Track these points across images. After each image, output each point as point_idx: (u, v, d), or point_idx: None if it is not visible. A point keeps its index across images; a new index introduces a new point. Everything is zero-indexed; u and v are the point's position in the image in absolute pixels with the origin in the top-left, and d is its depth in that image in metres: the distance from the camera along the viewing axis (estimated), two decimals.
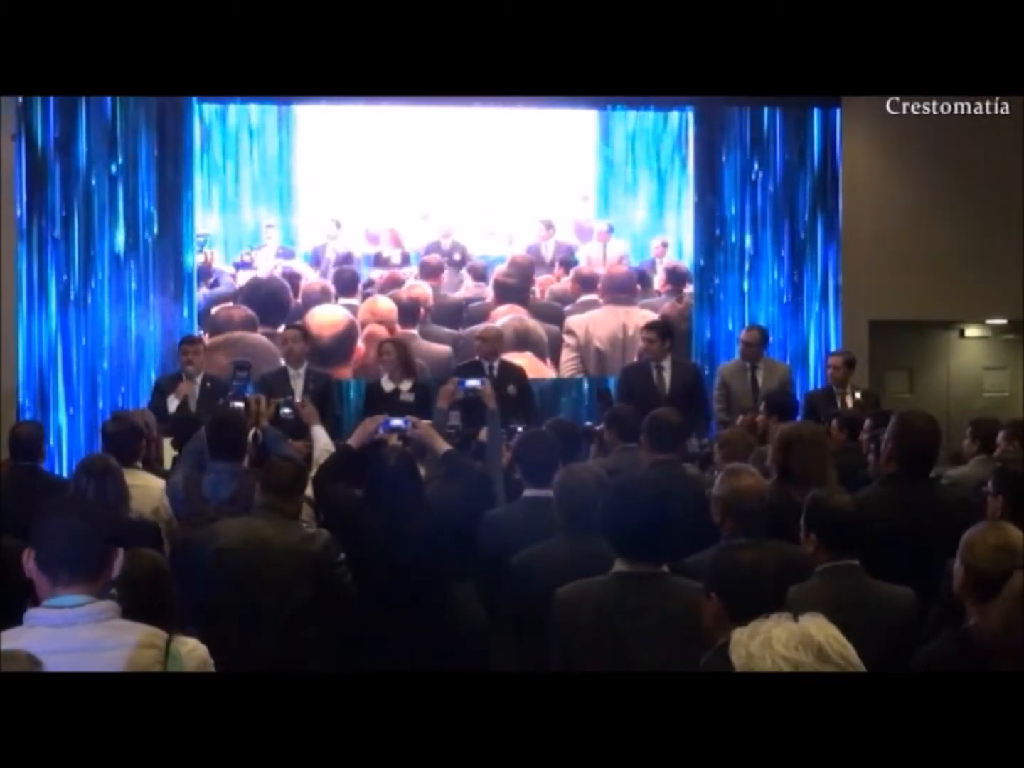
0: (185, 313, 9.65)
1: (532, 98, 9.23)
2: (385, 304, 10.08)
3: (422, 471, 5.06)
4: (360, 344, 9.99)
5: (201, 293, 9.77)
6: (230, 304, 9.84)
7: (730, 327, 10.35)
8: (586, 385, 10.24)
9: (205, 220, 9.76)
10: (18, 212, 9.31)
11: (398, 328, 9.96)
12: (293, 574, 4.37)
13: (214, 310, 9.79)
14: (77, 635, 2.63)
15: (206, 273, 9.80)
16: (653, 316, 9.90)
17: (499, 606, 4.29)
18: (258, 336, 9.77)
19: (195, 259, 9.69)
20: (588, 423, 7.13)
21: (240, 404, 5.85)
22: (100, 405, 9.47)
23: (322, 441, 5.74)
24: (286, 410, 6.16)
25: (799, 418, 7.65)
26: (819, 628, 2.42)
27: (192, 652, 2.78)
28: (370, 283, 10.09)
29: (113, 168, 9.48)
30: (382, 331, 9.79)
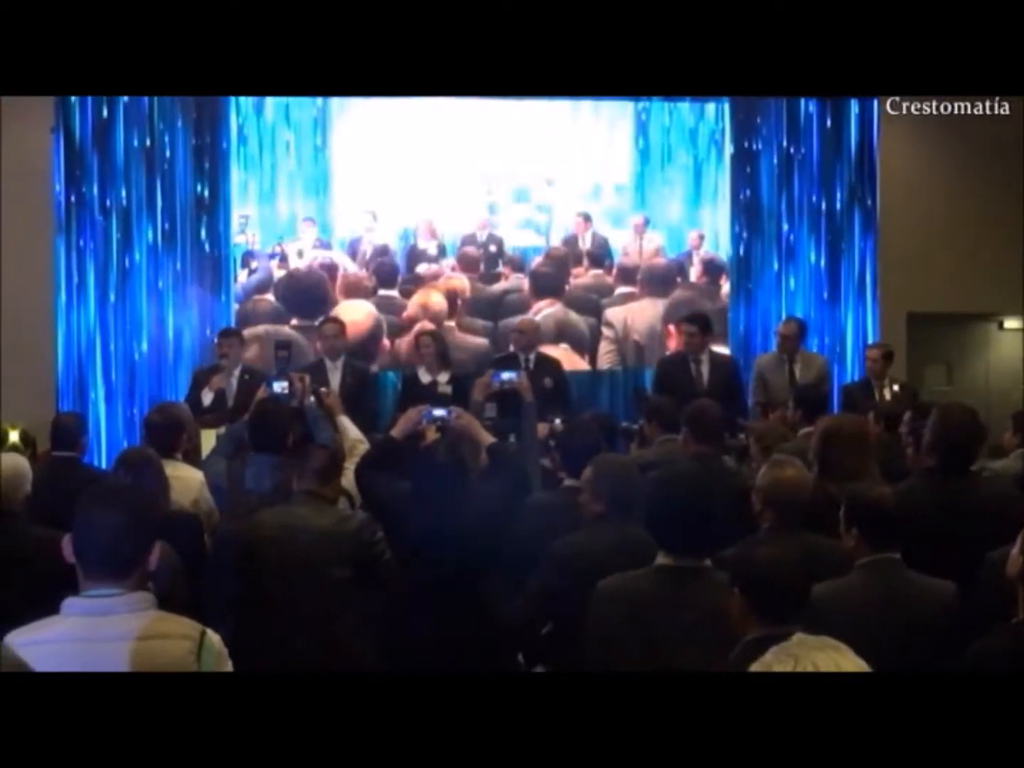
0: (223, 304, 9.71)
1: None
2: (437, 299, 10.05)
3: None
4: (385, 340, 9.98)
5: (239, 285, 9.81)
6: (256, 297, 9.86)
7: (771, 318, 10.28)
8: (622, 377, 10.24)
9: (242, 212, 9.81)
10: (56, 205, 9.36)
11: (446, 323, 9.95)
12: (331, 556, 4.38)
13: (239, 305, 9.82)
14: (113, 625, 2.63)
15: (248, 256, 9.83)
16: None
17: (536, 592, 4.24)
18: (288, 331, 9.72)
19: (235, 240, 9.73)
20: (624, 423, 7.08)
21: (284, 383, 5.87)
22: (138, 397, 9.51)
23: (351, 431, 5.73)
24: (310, 399, 6.18)
25: (835, 411, 7.62)
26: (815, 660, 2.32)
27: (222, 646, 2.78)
28: (416, 278, 10.07)
29: (150, 160, 9.50)
30: (431, 326, 9.69)
